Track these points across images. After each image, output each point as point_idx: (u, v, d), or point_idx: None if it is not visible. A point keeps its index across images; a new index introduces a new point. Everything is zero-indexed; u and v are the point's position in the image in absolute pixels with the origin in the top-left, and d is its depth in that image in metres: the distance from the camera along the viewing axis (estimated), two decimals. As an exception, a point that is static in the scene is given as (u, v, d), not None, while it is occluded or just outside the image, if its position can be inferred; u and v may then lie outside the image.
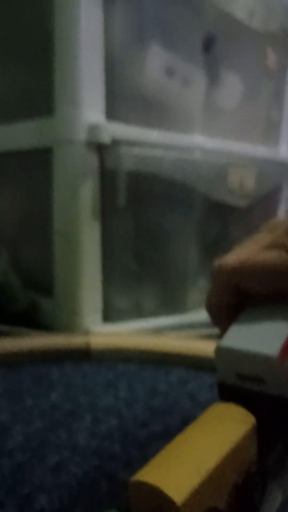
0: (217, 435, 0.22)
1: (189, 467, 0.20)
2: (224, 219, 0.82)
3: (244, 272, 0.27)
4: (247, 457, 0.23)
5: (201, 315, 0.78)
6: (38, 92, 0.71)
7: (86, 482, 0.33)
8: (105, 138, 0.64)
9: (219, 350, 0.26)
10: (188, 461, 0.21)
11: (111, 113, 0.67)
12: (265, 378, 0.24)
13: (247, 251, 0.28)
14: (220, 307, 0.29)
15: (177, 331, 0.73)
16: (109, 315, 0.72)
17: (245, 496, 0.22)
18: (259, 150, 0.87)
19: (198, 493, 0.20)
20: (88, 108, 0.65)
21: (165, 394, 0.48)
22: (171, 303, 0.78)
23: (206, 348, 0.58)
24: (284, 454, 0.25)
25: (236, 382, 0.26)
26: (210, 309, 0.30)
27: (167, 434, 0.40)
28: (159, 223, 0.74)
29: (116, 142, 0.65)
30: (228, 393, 0.26)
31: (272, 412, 0.25)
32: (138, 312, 0.74)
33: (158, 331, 0.72)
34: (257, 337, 0.25)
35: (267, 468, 0.24)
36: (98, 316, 0.70)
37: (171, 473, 0.20)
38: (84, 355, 0.59)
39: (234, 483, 0.22)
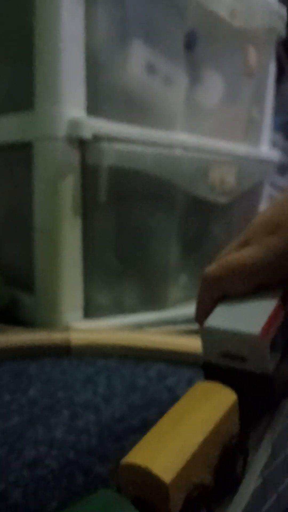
0: (200, 413, 0.23)
1: (175, 446, 0.21)
2: (205, 215, 0.83)
3: (224, 278, 0.29)
4: (229, 432, 0.24)
5: (182, 311, 0.79)
6: (19, 87, 0.71)
7: (62, 476, 0.33)
8: (86, 133, 0.64)
9: (204, 330, 0.27)
10: (174, 441, 0.22)
11: (93, 109, 0.67)
12: (248, 356, 0.26)
13: (226, 256, 0.30)
14: (205, 308, 0.30)
15: (158, 327, 0.74)
16: (90, 311, 0.71)
17: (227, 469, 0.23)
18: (240, 148, 0.88)
19: (185, 471, 0.21)
20: (69, 104, 0.65)
21: (143, 389, 0.48)
22: (152, 299, 0.78)
23: (185, 343, 0.58)
24: (264, 428, 0.26)
25: (220, 361, 0.27)
26: (199, 319, 0.31)
27: (144, 428, 0.40)
28: (140, 219, 0.74)
29: (97, 138, 0.65)
30: (212, 372, 0.27)
31: (253, 388, 0.26)
32: (119, 308, 0.75)
33: (139, 327, 0.73)
34: (240, 318, 0.27)
35: (248, 442, 0.25)
36: (79, 312, 0.70)
37: (159, 454, 0.21)
38: (64, 351, 0.59)
39: (218, 458, 0.23)
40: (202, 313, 0.30)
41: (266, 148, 1.00)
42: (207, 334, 0.27)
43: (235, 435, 0.24)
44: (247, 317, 0.27)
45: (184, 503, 0.21)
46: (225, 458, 0.23)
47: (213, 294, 0.30)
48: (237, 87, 0.91)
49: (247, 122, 0.94)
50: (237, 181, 0.84)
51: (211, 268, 0.30)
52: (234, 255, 0.30)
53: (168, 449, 0.21)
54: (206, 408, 0.23)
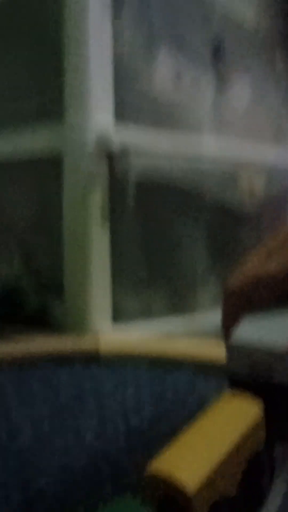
0: (227, 423, 0.23)
1: (200, 456, 0.21)
2: (233, 223, 0.82)
3: (250, 292, 0.29)
4: (255, 444, 0.24)
5: (210, 318, 0.78)
6: (47, 99, 0.72)
7: (91, 484, 0.34)
8: (115, 148, 0.65)
9: (230, 343, 0.27)
10: (199, 451, 0.22)
11: (120, 118, 0.68)
12: (276, 368, 0.26)
13: (250, 266, 0.30)
14: (230, 321, 0.30)
15: (186, 334, 0.74)
16: (118, 317, 0.72)
17: (253, 482, 0.23)
18: (269, 155, 0.87)
19: (209, 482, 0.20)
20: (98, 116, 0.66)
21: (173, 397, 0.49)
22: (180, 305, 0.78)
23: (214, 351, 0.58)
24: None
25: (247, 373, 0.27)
26: (223, 321, 0.31)
27: (173, 437, 0.40)
28: (168, 228, 0.74)
29: (125, 152, 0.66)
30: (239, 385, 0.27)
31: (281, 401, 0.26)
32: (148, 314, 0.75)
33: (167, 334, 0.73)
34: (267, 330, 0.27)
35: (275, 455, 0.25)
36: (108, 318, 0.71)
37: (183, 464, 0.21)
38: (93, 358, 0.59)
39: (243, 470, 0.23)
40: (228, 326, 0.30)
41: (295, 153, 0.98)
42: (233, 347, 0.27)
43: (261, 448, 0.24)
44: (274, 330, 0.27)
45: None
46: (251, 471, 0.23)
47: (238, 307, 0.30)
48: (265, 93, 0.90)
49: (276, 128, 0.93)
50: (266, 188, 0.83)
51: (235, 281, 0.30)
52: (259, 267, 0.29)
53: (192, 459, 0.21)
54: (231, 420, 0.23)
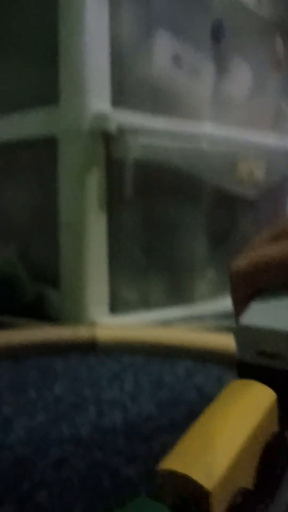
0: (240, 413, 0.22)
1: (216, 449, 0.20)
2: (233, 210, 0.81)
3: (257, 274, 0.27)
4: (270, 431, 0.22)
5: (209, 306, 0.77)
6: (43, 81, 0.70)
7: (89, 477, 0.32)
8: (111, 127, 0.63)
9: (239, 328, 0.26)
10: (214, 443, 0.20)
11: (118, 101, 0.66)
12: (286, 354, 0.24)
13: (257, 249, 0.28)
14: (240, 304, 0.29)
15: (185, 323, 0.72)
16: (116, 306, 0.71)
17: (268, 470, 0.22)
18: (269, 140, 0.86)
19: (227, 476, 0.19)
20: (94, 97, 0.64)
21: (171, 386, 0.47)
22: (179, 294, 0.77)
23: (213, 340, 0.57)
24: None
25: (256, 360, 0.25)
26: (233, 305, 0.30)
27: (172, 427, 0.39)
28: (166, 213, 0.72)
29: (122, 131, 0.64)
30: (248, 371, 0.26)
31: None
32: (146, 304, 0.74)
33: (165, 322, 0.72)
34: (277, 315, 0.25)
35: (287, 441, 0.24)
36: (105, 307, 0.69)
37: (199, 458, 0.19)
38: (90, 348, 0.58)
39: (259, 459, 0.21)
40: (238, 308, 0.29)
41: (295, 140, 0.97)
42: (241, 333, 0.26)
43: (276, 434, 0.23)
44: (284, 314, 0.25)
45: (227, 509, 0.19)
46: (266, 459, 0.22)
47: (246, 290, 0.28)
48: (265, 78, 0.88)
49: (275, 114, 0.92)
50: (266, 175, 0.82)
51: (241, 263, 0.28)
52: (266, 249, 0.28)
53: (209, 453, 0.20)
54: (245, 407, 0.22)
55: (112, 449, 0.36)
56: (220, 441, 0.20)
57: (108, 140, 0.64)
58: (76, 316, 0.68)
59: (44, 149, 0.69)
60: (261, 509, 0.22)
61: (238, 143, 0.78)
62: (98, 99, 0.64)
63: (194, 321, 0.73)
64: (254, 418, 0.22)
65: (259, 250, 0.28)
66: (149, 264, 0.73)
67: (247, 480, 0.21)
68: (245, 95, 0.85)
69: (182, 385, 0.48)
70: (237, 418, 0.21)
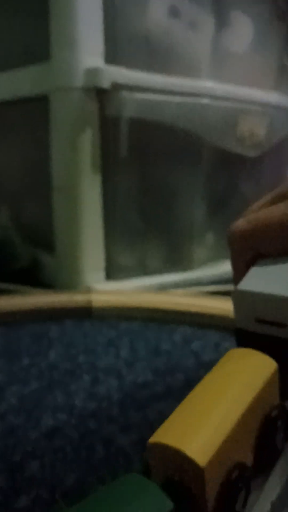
0: (238, 384, 0.20)
1: (212, 422, 0.18)
2: (233, 170, 0.78)
3: (257, 235, 0.26)
4: (269, 403, 0.21)
5: (208, 271, 0.75)
6: (33, 37, 0.66)
7: (81, 447, 0.31)
8: (105, 82, 0.59)
9: (237, 294, 0.24)
10: (209, 416, 0.19)
11: (111, 57, 0.62)
12: (286, 322, 0.23)
13: (257, 211, 0.27)
14: (240, 268, 0.27)
15: (183, 288, 0.71)
16: (112, 272, 0.69)
17: (267, 443, 0.21)
18: (271, 97, 0.82)
19: (222, 451, 0.18)
20: (86, 52, 0.61)
21: (168, 353, 0.46)
22: (177, 259, 0.75)
23: (212, 305, 0.55)
24: None
25: (256, 327, 0.24)
26: (232, 270, 0.29)
27: (169, 395, 0.38)
28: (164, 175, 0.70)
29: (116, 87, 0.61)
30: (247, 340, 0.25)
31: None
32: (143, 270, 0.72)
33: (163, 288, 0.70)
34: (278, 280, 0.24)
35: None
36: (101, 273, 0.68)
37: (191, 431, 0.18)
38: (86, 314, 0.57)
39: (257, 432, 0.20)
40: (235, 267, 0.28)
41: (298, 98, 0.93)
42: (240, 299, 0.24)
43: (275, 406, 0.21)
44: (284, 280, 0.24)
45: (222, 485, 0.18)
46: (265, 432, 0.20)
47: (244, 254, 0.27)
48: (267, 32, 0.84)
49: (278, 69, 0.88)
50: (268, 133, 0.79)
51: (239, 224, 0.26)
52: (265, 210, 0.26)
53: (203, 425, 0.18)
54: (244, 378, 0.21)
55: (106, 418, 0.35)
56: (216, 414, 0.19)
57: (101, 97, 0.61)
58: (71, 282, 0.66)
59: (36, 108, 0.66)
60: (258, 484, 0.21)
61: (239, 99, 0.74)
62: (90, 55, 0.61)
63: (192, 286, 0.72)
64: (253, 389, 0.20)
65: (259, 212, 0.27)
66: (146, 228, 0.71)
67: (244, 455, 0.20)
68: (246, 50, 0.81)
69: (180, 351, 0.47)
70: (234, 389, 0.20)
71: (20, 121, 0.70)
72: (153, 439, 0.18)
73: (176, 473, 0.18)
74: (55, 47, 0.62)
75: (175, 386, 0.39)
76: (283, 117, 0.83)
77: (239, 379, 0.21)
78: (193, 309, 0.55)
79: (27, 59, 0.66)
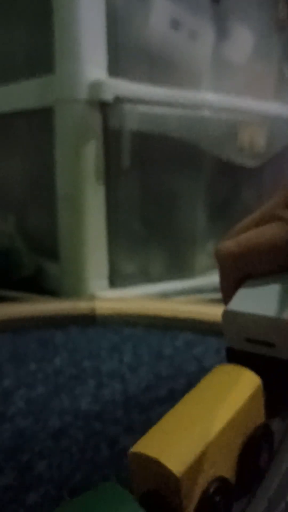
0: (221, 398, 0.21)
1: (191, 435, 0.19)
2: (234, 180, 0.79)
3: (247, 257, 0.26)
4: (253, 420, 0.22)
5: (209, 279, 0.77)
6: (38, 50, 0.68)
7: (87, 447, 0.33)
8: (108, 95, 0.61)
9: (226, 315, 0.25)
10: (189, 429, 0.19)
11: (114, 69, 0.64)
12: (275, 342, 0.23)
13: (243, 230, 0.27)
14: (229, 289, 0.28)
15: (185, 296, 0.72)
16: (115, 280, 0.70)
17: (251, 462, 0.21)
18: (271, 107, 0.84)
19: (200, 463, 0.19)
20: (90, 65, 0.62)
21: (170, 358, 0.47)
22: (179, 267, 0.77)
23: (213, 312, 0.56)
24: None
25: (245, 347, 0.25)
26: (221, 290, 0.29)
27: (171, 399, 0.39)
28: (166, 184, 0.71)
29: (119, 100, 0.62)
30: (237, 358, 0.25)
31: (282, 376, 0.24)
32: (146, 277, 0.73)
33: (165, 295, 0.71)
34: (266, 301, 0.24)
35: (274, 432, 0.23)
36: (105, 281, 0.69)
37: (171, 443, 0.19)
38: (90, 320, 0.58)
39: (240, 449, 0.21)
40: (227, 296, 0.27)
41: (298, 107, 0.95)
42: (230, 319, 0.25)
43: (260, 425, 0.22)
44: (274, 300, 0.24)
45: (200, 497, 0.19)
46: (248, 449, 0.21)
47: (234, 275, 0.27)
48: (267, 42, 0.85)
49: (278, 79, 0.89)
50: (268, 143, 0.80)
51: (228, 245, 0.26)
52: (253, 232, 0.26)
53: (183, 437, 0.19)
54: (227, 393, 0.21)
55: (111, 420, 0.36)
56: (196, 427, 0.19)
57: (105, 109, 0.63)
58: (75, 289, 0.68)
59: (40, 120, 0.68)
60: (243, 503, 0.21)
61: (239, 110, 0.76)
62: (94, 67, 0.63)
63: (194, 294, 0.73)
64: (234, 405, 0.21)
65: (248, 233, 0.27)
66: (149, 237, 0.72)
67: (224, 468, 0.20)
68: (246, 60, 0.83)
69: (182, 356, 0.48)
70: (216, 403, 0.21)
71: (26, 132, 0.72)
72: (134, 449, 0.19)
73: (155, 482, 0.19)
74: (59, 60, 0.63)
75: (177, 390, 0.41)
76: (283, 127, 0.85)
77: (222, 394, 0.21)
78: (194, 315, 0.56)
79: (32, 72, 0.68)
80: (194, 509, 0.19)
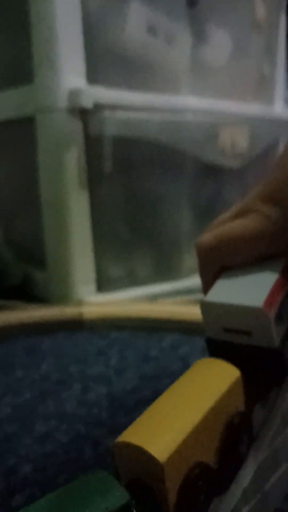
0: (201, 390, 0.22)
1: (173, 424, 0.20)
2: (217, 181, 0.80)
3: (222, 249, 0.27)
4: (233, 409, 0.22)
5: (196, 280, 0.77)
6: (17, 60, 0.69)
7: (71, 449, 0.33)
8: (87, 102, 0.62)
9: (204, 305, 0.25)
10: (171, 418, 0.20)
11: (93, 76, 0.65)
12: (252, 330, 0.24)
13: (222, 224, 0.28)
14: (207, 280, 0.28)
15: (173, 297, 0.73)
16: (103, 284, 0.71)
17: (231, 448, 0.22)
18: (252, 108, 0.85)
19: (182, 449, 0.19)
20: (68, 73, 0.63)
21: (156, 359, 0.48)
22: (165, 269, 0.77)
23: (199, 312, 0.57)
24: (272, 401, 0.25)
25: (224, 336, 0.25)
26: (201, 282, 0.30)
27: (156, 399, 0.39)
28: (149, 188, 0.72)
29: (99, 107, 0.63)
30: (217, 348, 0.26)
31: (260, 363, 0.25)
32: (133, 280, 0.74)
33: (153, 298, 0.72)
34: (241, 291, 0.25)
35: (253, 420, 0.24)
36: (92, 286, 0.70)
37: (154, 432, 0.20)
38: (77, 325, 0.59)
39: (220, 437, 0.22)
40: (207, 288, 0.28)
41: (280, 107, 0.96)
42: (207, 310, 0.25)
43: (240, 413, 0.23)
44: (249, 290, 0.25)
45: (182, 482, 0.20)
46: (229, 437, 0.22)
47: (211, 266, 0.28)
48: (246, 43, 0.87)
49: (258, 80, 0.90)
50: (250, 144, 0.81)
51: (205, 238, 0.28)
52: (230, 224, 0.27)
53: (165, 426, 0.20)
54: (206, 385, 0.22)
55: (95, 422, 0.36)
56: (177, 417, 0.20)
57: (85, 116, 0.64)
58: (63, 295, 0.68)
59: (22, 129, 0.68)
60: (220, 484, 0.22)
61: (220, 112, 0.77)
62: (72, 76, 0.63)
63: (182, 295, 0.74)
64: (214, 395, 0.21)
65: (224, 226, 0.28)
66: (135, 240, 0.73)
67: (206, 455, 0.21)
68: (225, 61, 0.84)
69: (168, 357, 0.48)
70: (197, 395, 0.22)
71: (8, 141, 0.73)
72: (118, 439, 0.20)
73: (140, 470, 0.19)
74: (37, 69, 0.64)
75: (162, 390, 0.41)
76: (264, 128, 0.86)
77: (202, 386, 0.22)
78: (180, 316, 0.57)
79: (11, 82, 0.68)
80: (177, 493, 0.19)
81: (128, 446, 0.19)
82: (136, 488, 0.19)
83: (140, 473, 0.19)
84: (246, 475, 0.23)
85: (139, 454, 0.19)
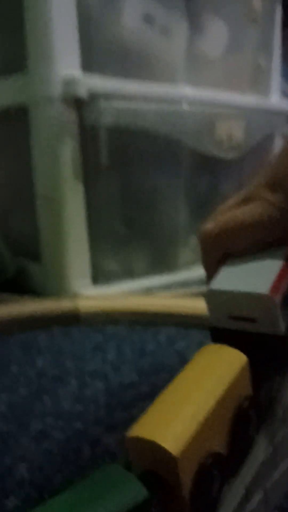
0: (210, 378, 0.22)
1: (184, 414, 0.20)
2: (214, 173, 0.79)
3: (225, 236, 0.27)
4: (241, 394, 0.22)
5: (193, 273, 0.77)
6: (11, 49, 0.67)
7: (69, 448, 0.32)
8: (82, 92, 0.61)
9: (209, 293, 0.25)
10: (182, 409, 0.20)
11: (88, 66, 0.64)
12: (257, 317, 0.24)
13: (226, 211, 0.28)
14: (211, 267, 0.28)
15: (169, 291, 0.72)
16: (98, 278, 0.70)
17: (241, 433, 0.22)
18: (248, 99, 0.84)
19: (195, 441, 0.19)
20: (63, 62, 0.62)
21: (153, 354, 0.47)
22: (162, 262, 0.76)
23: (195, 305, 0.56)
24: (276, 389, 0.25)
25: (228, 324, 0.25)
26: (204, 269, 0.30)
27: (154, 394, 0.39)
28: (145, 180, 0.71)
29: (94, 96, 0.62)
30: (221, 336, 0.26)
31: (265, 350, 0.25)
32: (129, 273, 0.73)
33: (149, 291, 0.71)
34: (247, 278, 0.25)
35: (260, 403, 0.24)
36: (87, 279, 0.69)
37: (166, 424, 0.19)
38: (73, 320, 0.58)
39: (231, 422, 0.22)
40: (206, 265, 0.29)
41: (276, 98, 0.95)
42: (212, 298, 0.25)
43: (248, 398, 0.22)
44: (254, 277, 0.25)
45: (196, 473, 0.19)
46: (239, 422, 0.22)
47: (215, 254, 0.28)
48: (242, 35, 0.85)
49: (254, 72, 0.89)
50: (246, 135, 0.80)
51: (209, 226, 0.28)
52: (234, 211, 0.28)
53: (177, 418, 0.20)
54: (215, 372, 0.22)
55: (93, 419, 0.36)
56: (188, 407, 0.20)
57: (80, 106, 0.62)
58: (58, 289, 0.67)
59: (15, 119, 0.67)
60: (234, 471, 0.22)
61: (216, 103, 0.76)
62: (67, 64, 0.62)
63: (178, 288, 0.73)
64: (223, 382, 0.21)
65: (227, 214, 0.28)
66: (130, 233, 0.72)
67: (218, 444, 0.21)
68: (221, 53, 0.82)
69: (164, 351, 0.48)
70: (206, 383, 0.21)
71: (1, 132, 0.71)
72: (130, 433, 0.19)
73: (153, 464, 0.19)
74: (31, 58, 0.63)
75: (160, 385, 0.40)
76: (260, 119, 0.85)
77: (211, 373, 0.22)
78: (177, 310, 0.56)
79: (5, 71, 0.67)
80: (191, 484, 0.19)
81: (140, 440, 0.19)
82: (149, 480, 0.19)
83: (153, 465, 0.19)
84: (246, 475, 0.23)
85: (152, 448, 0.19)
